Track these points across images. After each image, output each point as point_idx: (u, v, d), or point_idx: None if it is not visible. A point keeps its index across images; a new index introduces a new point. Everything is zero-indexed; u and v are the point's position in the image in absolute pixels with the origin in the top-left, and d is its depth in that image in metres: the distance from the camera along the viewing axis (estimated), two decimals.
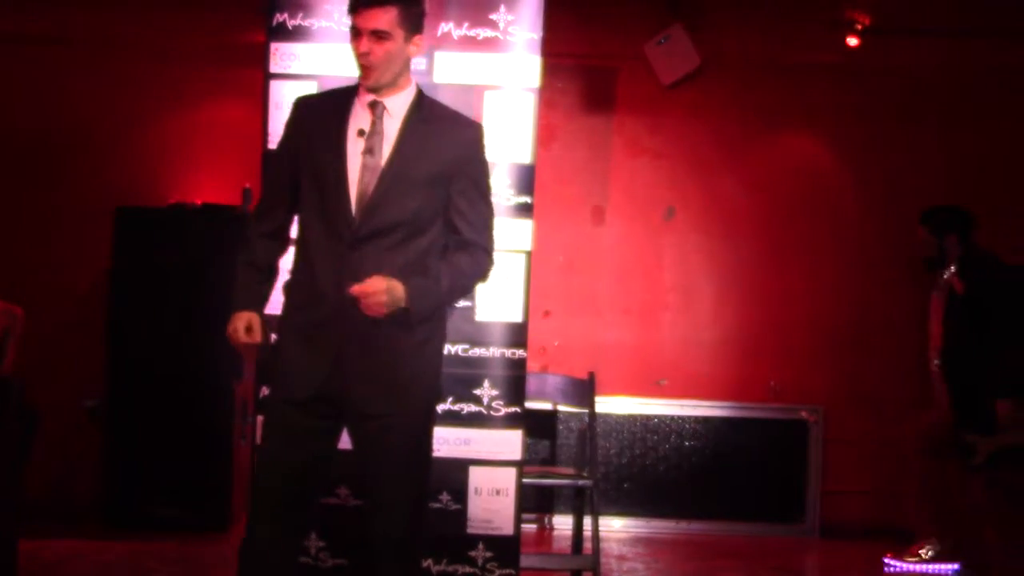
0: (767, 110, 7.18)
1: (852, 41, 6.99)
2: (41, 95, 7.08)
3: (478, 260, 3.79)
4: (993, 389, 5.98)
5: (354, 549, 4.50)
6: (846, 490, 6.96)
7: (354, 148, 3.69)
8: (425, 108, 3.79)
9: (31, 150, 7.05)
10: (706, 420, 6.97)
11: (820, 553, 6.74)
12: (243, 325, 3.72)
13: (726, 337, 7.16)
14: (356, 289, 3.59)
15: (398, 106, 3.74)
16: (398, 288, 3.62)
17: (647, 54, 7.01)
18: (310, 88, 4.68)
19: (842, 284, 7.14)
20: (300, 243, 3.76)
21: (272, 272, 3.86)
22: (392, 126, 3.72)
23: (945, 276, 6.18)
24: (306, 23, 4.80)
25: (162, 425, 6.49)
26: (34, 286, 6.63)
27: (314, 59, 4.79)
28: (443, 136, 3.75)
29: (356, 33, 3.68)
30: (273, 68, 4.77)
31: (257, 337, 3.73)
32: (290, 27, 4.81)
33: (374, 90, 3.72)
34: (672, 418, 6.97)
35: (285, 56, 4.81)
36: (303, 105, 3.86)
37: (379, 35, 3.67)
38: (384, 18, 3.66)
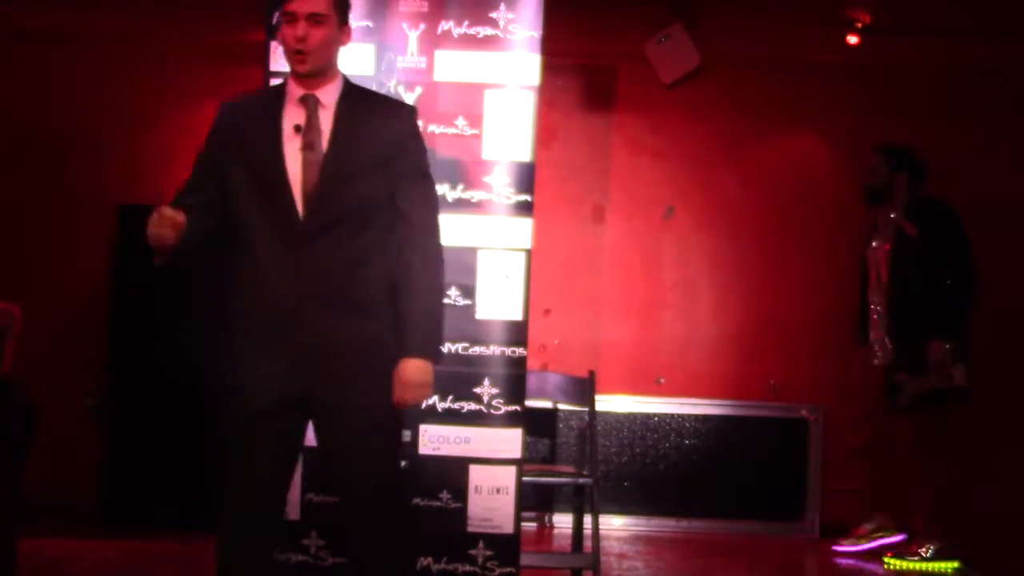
0: (767, 109, 7.18)
1: (852, 40, 6.99)
2: (41, 94, 7.08)
3: (429, 255, 3.77)
4: (928, 331, 6.08)
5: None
6: (846, 489, 6.95)
7: (292, 145, 3.68)
8: (356, 96, 3.81)
9: (31, 149, 7.05)
10: (706, 419, 6.97)
11: (820, 552, 6.74)
12: (166, 211, 3.59)
13: (726, 336, 7.16)
14: (401, 405, 3.69)
15: (330, 98, 3.75)
16: (411, 365, 3.67)
17: (647, 53, 7.01)
18: None
19: (842, 282, 7.12)
20: (244, 249, 3.72)
21: (205, 241, 3.74)
22: (327, 118, 3.73)
23: (892, 216, 6.26)
24: None
25: (162, 424, 6.49)
26: (34, 285, 6.63)
27: None
28: (378, 121, 3.77)
29: (291, 19, 3.67)
30: (273, 66, 4.76)
31: (180, 218, 3.57)
32: None
33: (308, 77, 3.72)
34: (672, 417, 6.97)
35: None
36: (229, 110, 3.83)
37: (317, 19, 3.67)
38: (321, 1, 3.67)
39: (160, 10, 6.89)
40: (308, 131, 3.69)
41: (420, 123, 3.93)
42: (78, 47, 7.03)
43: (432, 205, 3.83)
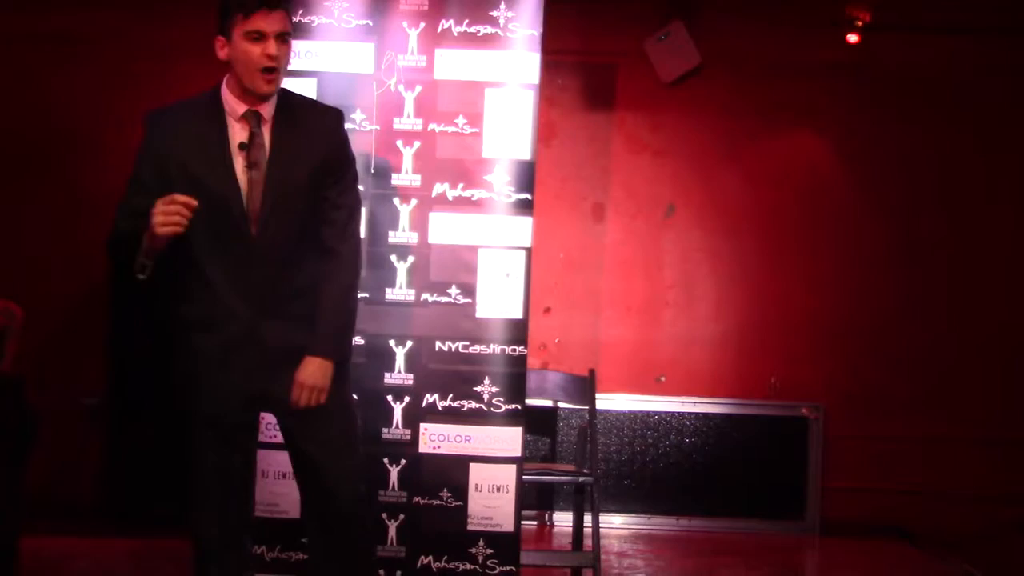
0: (767, 107, 7.18)
1: (852, 38, 6.99)
2: (42, 93, 7.07)
3: (345, 259, 3.79)
4: None
5: None
6: (846, 487, 6.96)
7: (237, 163, 3.68)
8: (289, 106, 3.78)
9: (31, 149, 7.04)
10: (706, 417, 6.97)
11: (820, 550, 6.74)
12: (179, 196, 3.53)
13: (726, 334, 7.15)
14: (295, 404, 3.72)
15: (270, 111, 3.73)
16: (311, 365, 3.72)
17: (647, 51, 7.01)
18: (311, 86, 4.69)
19: (842, 281, 7.13)
20: (193, 267, 3.72)
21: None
22: (266, 132, 3.71)
23: None
24: (307, 20, 4.80)
25: (162, 424, 6.48)
26: (34, 285, 6.63)
27: (315, 56, 4.79)
28: (310, 131, 3.76)
29: (259, 37, 3.61)
30: None
31: (193, 202, 3.52)
32: None
33: (269, 98, 3.69)
34: (672, 415, 6.97)
35: None
36: (164, 121, 3.77)
37: (284, 37, 3.66)
38: (287, 20, 3.68)
39: (161, 7, 6.89)
40: (253, 149, 3.68)
41: (347, 126, 3.96)
42: (78, 47, 7.02)
43: (354, 210, 3.85)
